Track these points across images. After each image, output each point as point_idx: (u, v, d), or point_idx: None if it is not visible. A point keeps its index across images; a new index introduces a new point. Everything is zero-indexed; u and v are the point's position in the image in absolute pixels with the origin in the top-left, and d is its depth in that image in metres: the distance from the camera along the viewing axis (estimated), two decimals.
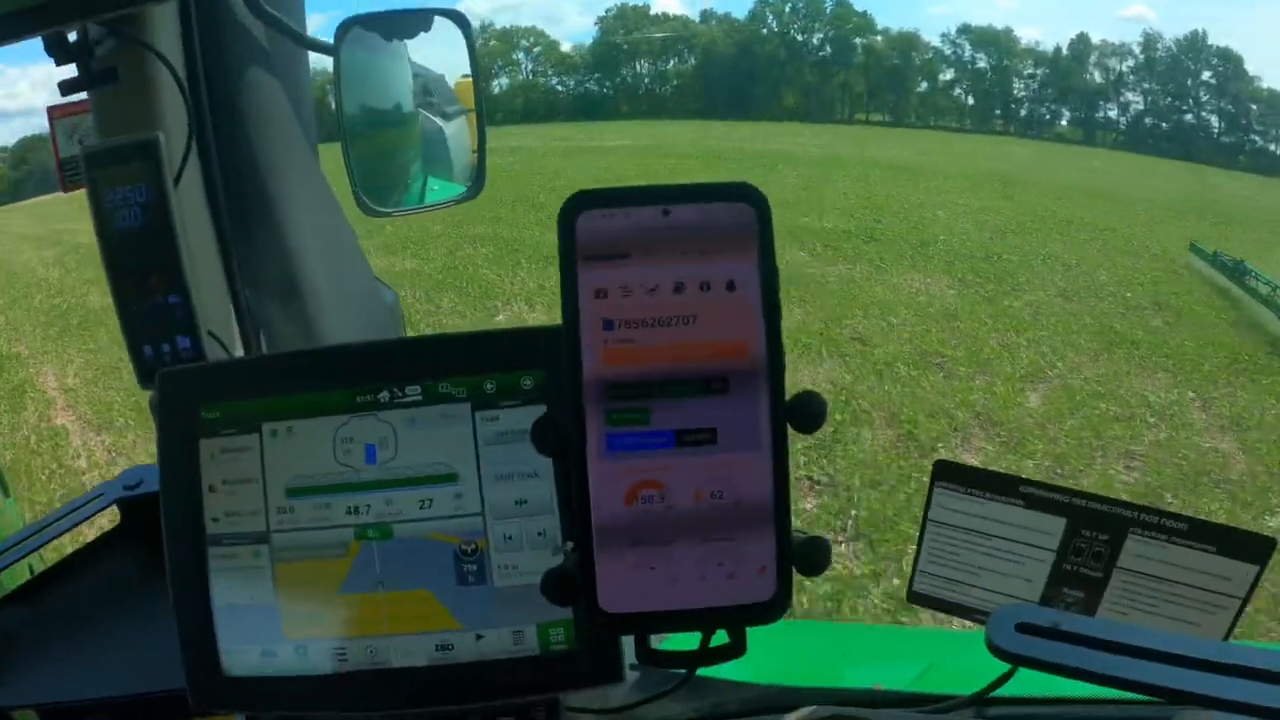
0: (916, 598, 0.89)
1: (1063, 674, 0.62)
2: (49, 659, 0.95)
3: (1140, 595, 0.80)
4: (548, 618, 0.73)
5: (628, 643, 0.51)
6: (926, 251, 10.18)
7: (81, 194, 0.94)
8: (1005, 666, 0.78)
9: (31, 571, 1.08)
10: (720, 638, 0.49)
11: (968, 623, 0.87)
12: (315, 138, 1.19)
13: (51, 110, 1.10)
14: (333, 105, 1.14)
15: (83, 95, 1.02)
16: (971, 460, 4.95)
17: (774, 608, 0.47)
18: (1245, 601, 0.77)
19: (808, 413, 0.47)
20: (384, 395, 0.74)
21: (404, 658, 0.74)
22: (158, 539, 0.77)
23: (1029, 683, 0.77)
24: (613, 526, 0.46)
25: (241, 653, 0.76)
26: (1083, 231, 11.62)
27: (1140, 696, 0.63)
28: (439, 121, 1.42)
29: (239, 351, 1.13)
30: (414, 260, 10.50)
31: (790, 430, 0.47)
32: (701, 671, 0.68)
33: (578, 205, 0.46)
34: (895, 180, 15.34)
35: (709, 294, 0.46)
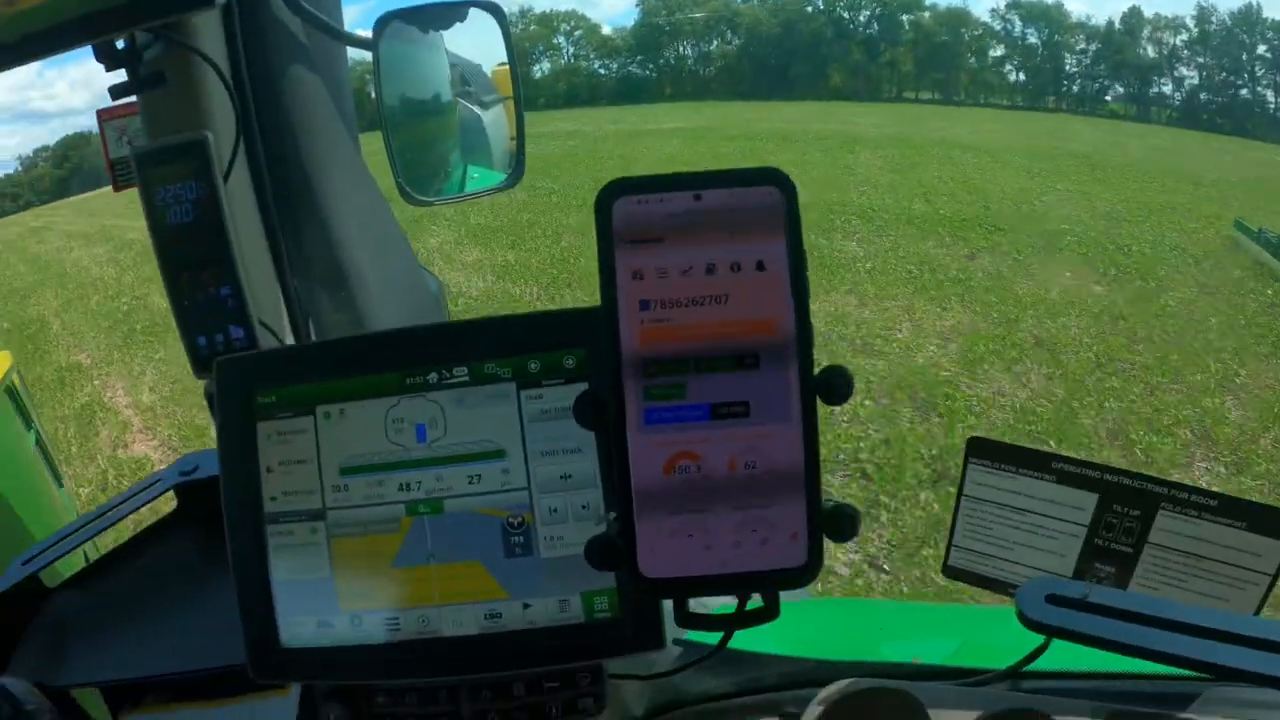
0: (952, 572, 0.90)
1: (1091, 644, 0.63)
2: (110, 640, 0.99)
3: (1171, 570, 0.80)
4: (592, 587, 0.75)
5: (669, 612, 0.53)
6: (1058, 243, 9.47)
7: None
8: (1039, 640, 0.79)
9: (87, 559, 1.12)
10: (755, 602, 0.52)
11: (1004, 598, 0.88)
12: (356, 130, 1.21)
13: (100, 114, 1.14)
14: (372, 94, 1.16)
15: (131, 98, 1.05)
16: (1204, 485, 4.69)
17: (805, 572, 0.49)
18: (1275, 577, 0.77)
19: (834, 386, 0.49)
20: (433, 376, 0.76)
21: (455, 627, 0.76)
22: (214, 522, 0.80)
23: (1062, 656, 0.78)
24: (652, 495, 0.48)
25: (299, 625, 0.79)
26: (1190, 219, 10.73)
27: (1173, 670, 0.63)
28: (477, 110, 1.42)
29: (289, 339, 1.15)
30: (513, 252, 9.99)
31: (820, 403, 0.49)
32: (742, 645, 0.69)
33: (614, 192, 0.48)
34: (979, 162, 14.34)
35: (740, 274, 0.48)
